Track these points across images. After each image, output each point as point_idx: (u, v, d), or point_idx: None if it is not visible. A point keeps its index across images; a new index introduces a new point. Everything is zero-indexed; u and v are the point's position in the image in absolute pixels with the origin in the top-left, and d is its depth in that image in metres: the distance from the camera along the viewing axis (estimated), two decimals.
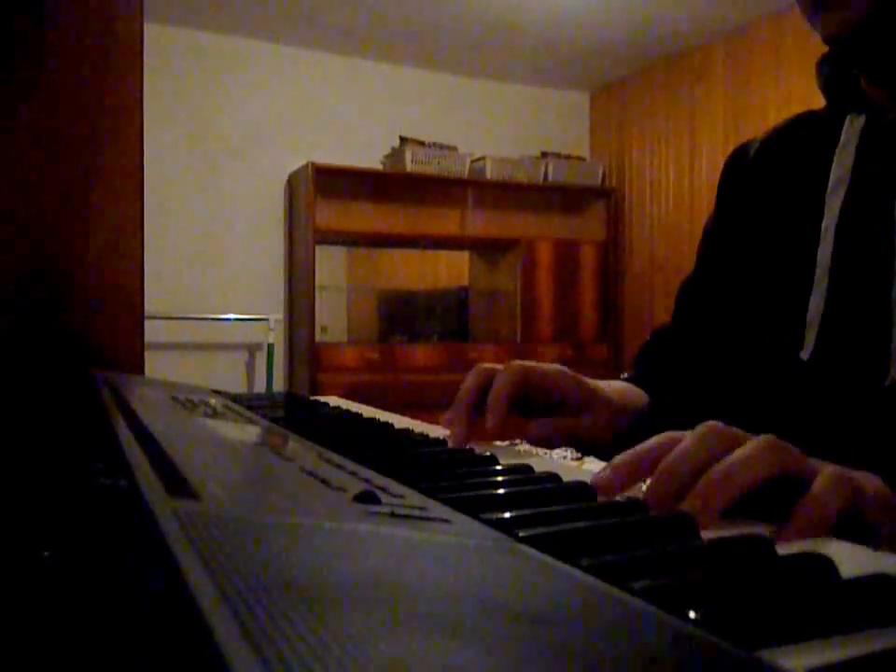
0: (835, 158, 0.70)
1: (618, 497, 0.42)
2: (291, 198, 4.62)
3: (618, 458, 0.45)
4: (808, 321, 0.68)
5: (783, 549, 0.31)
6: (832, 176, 0.70)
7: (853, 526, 0.39)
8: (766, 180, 0.78)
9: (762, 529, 0.37)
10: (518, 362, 0.67)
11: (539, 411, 0.68)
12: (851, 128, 0.70)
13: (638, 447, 0.45)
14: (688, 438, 0.42)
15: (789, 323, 0.70)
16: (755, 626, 0.22)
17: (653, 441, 0.45)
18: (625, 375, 0.84)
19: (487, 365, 0.68)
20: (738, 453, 0.40)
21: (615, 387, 0.74)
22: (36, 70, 0.92)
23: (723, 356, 0.78)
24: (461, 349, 4.72)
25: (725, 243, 0.81)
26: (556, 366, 0.69)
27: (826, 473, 0.39)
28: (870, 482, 0.42)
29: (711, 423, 0.43)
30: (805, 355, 0.67)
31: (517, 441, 0.67)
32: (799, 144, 0.77)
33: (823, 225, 0.69)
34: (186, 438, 0.49)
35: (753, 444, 0.40)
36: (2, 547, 0.27)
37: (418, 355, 4.61)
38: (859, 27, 0.62)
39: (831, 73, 0.72)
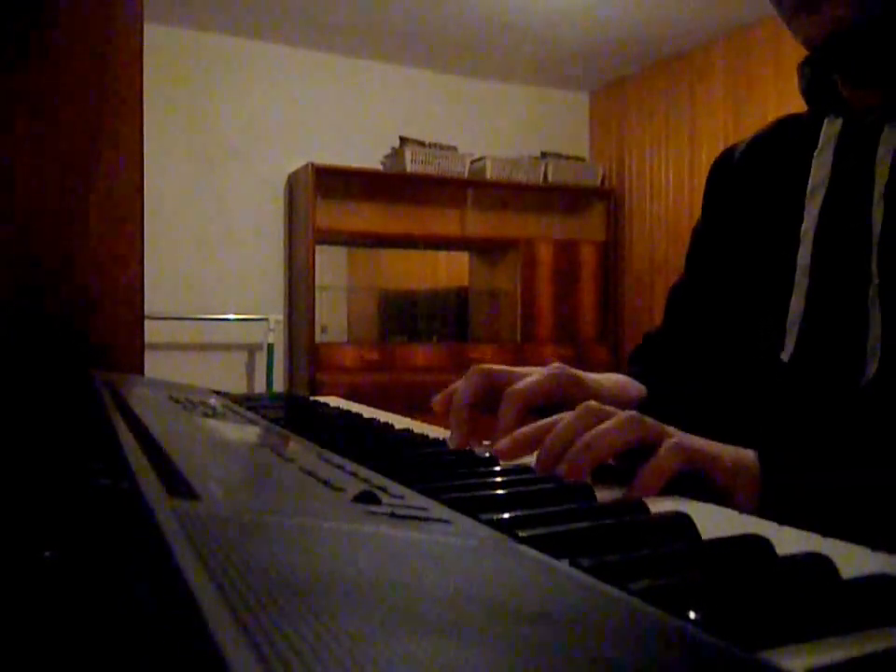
0: (814, 161, 0.72)
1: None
2: (291, 198, 4.62)
3: (518, 431, 0.55)
4: (789, 323, 0.69)
5: (783, 549, 0.31)
6: (811, 180, 0.71)
7: (709, 488, 0.47)
8: (750, 184, 0.80)
9: (762, 529, 0.37)
10: (519, 389, 0.64)
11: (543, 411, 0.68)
12: (829, 131, 0.71)
13: (537, 423, 0.54)
14: (568, 416, 0.51)
15: (770, 324, 0.71)
16: (755, 626, 0.22)
17: (544, 421, 0.54)
18: None
19: (485, 368, 0.67)
20: (598, 427, 0.48)
21: (614, 380, 0.75)
22: (36, 70, 0.92)
23: (710, 358, 0.79)
24: (461, 349, 4.72)
25: (711, 246, 0.83)
26: (553, 370, 0.67)
27: (667, 442, 0.47)
28: (727, 452, 0.50)
29: (588, 402, 0.52)
30: (785, 356, 0.69)
31: None
32: (781, 147, 0.78)
33: (802, 228, 0.70)
34: (186, 438, 0.49)
35: (612, 420, 0.49)
36: (2, 547, 0.27)
37: (418, 355, 4.61)
38: (843, 28, 0.62)
39: (811, 76, 0.73)
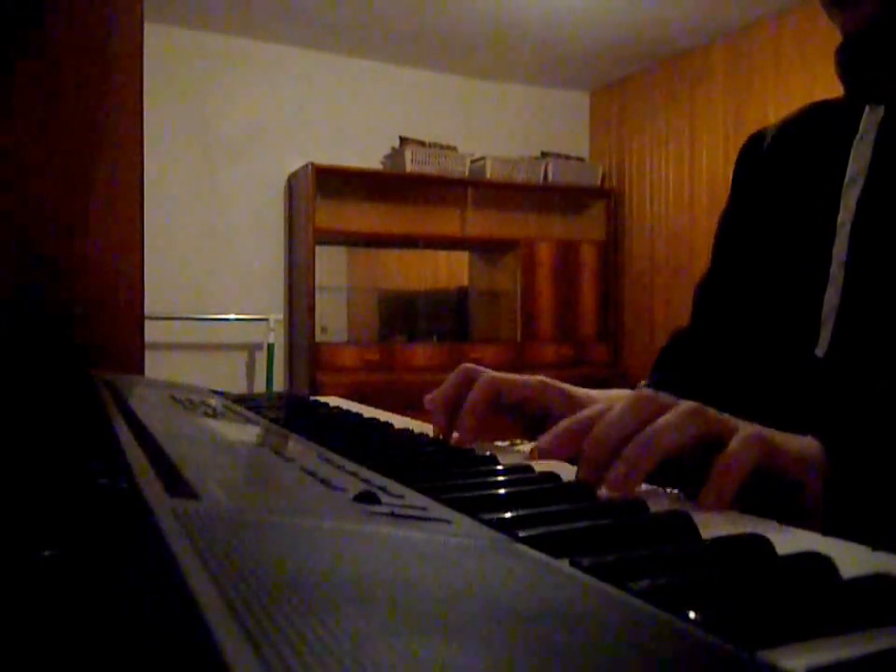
0: (853, 151, 0.69)
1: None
2: (291, 198, 4.62)
3: (559, 426, 0.48)
4: (823, 317, 0.67)
5: (783, 547, 0.31)
6: (849, 170, 0.69)
7: (780, 486, 0.43)
8: (781, 170, 0.77)
9: (762, 527, 0.37)
10: (493, 376, 0.64)
11: (532, 423, 0.67)
12: (869, 120, 0.69)
13: (576, 416, 0.48)
14: (616, 407, 0.45)
15: (804, 319, 0.69)
16: (755, 626, 0.22)
17: (590, 410, 0.47)
18: (644, 383, 0.82)
19: (471, 367, 0.66)
20: (658, 421, 0.42)
21: (613, 396, 0.73)
22: (37, 70, 0.92)
23: (741, 353, 0.77)
24: (461, 349, 4.72)
25: (740, 236, 0.80)
26: (537, 378, 0.66)
27: (740, 434, 0.42)
28: (795, 442, 0.45)
29: (642, 392, 0.46)
30: (820, 351, 0.67)
31: (517, 441, 0.67)
32: (814, 134, 0.76)
33: (839, 220, 0.68)
34: (186, 438, 0.49)
35: (672, 412, 0.43)
36: (2, 547, 0.27)
37: (418, 355, 4.61)
38: (874, 24, 0.61)
39: (849, 63, 0.71)
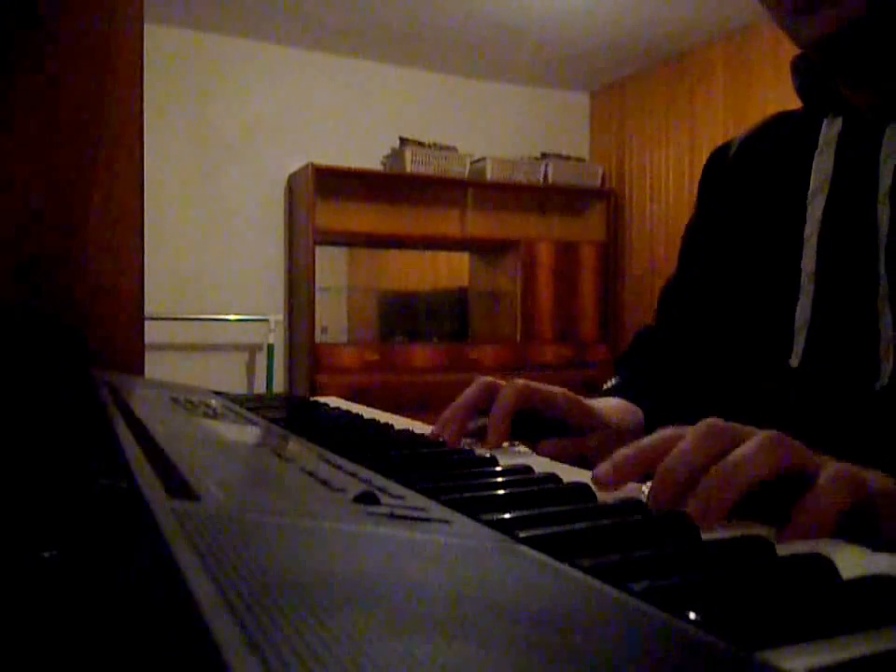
0: (814, 162, 0.70)
1: (618, 495, 0.42)
2: (291, 198, 4.62)
3: (619, 453, 0.44)
4: (796, 327, 0.68)
5: (783, 549, 0.31)
6: (812, 181, 0.70)
7: (858, 522, 0.38)
8: (746, 182, 0.78)
9: (762, 529, 0.37)
10: (522, 381, 0.68)
11: (542, 430, 0.68)
12: (829, 131, 0.70)
13: (640, 443, 0.44)
14: (687, 436, 0.41)
15: (776, 329, 0.70)
16: (755, 626, 0.22)
17: (655, 437, 0.44)
18: (611, 382, 0.84)
19: (491, 379, 0.69)
20: (738, 451, 0.39)
21: (612, 407, 0.75)
22: (36, 71, 0.92)
23: (710, 362, 0.78)
24: (461, 349, 4.72)
25: (706, 245, 0.82)
26: (558, 388, 0.70)
27: (830, 470, 0.39)
28: (875, 478, 0.41)
29: (711, 420, 0.42)
30: (794, 361, 0.67)
31: (517, 442, 0.67)
32: (778, 145, 0.76)
33: (805, 231, 0.69)
34: (186, 438, 0.49)
35: (754, 441, 0.39)
36: (2, 547, 0.27)
37: (418, 355, 4.61)
38: (848, 27, 0.60)
39: (807, 74, 0.71)
